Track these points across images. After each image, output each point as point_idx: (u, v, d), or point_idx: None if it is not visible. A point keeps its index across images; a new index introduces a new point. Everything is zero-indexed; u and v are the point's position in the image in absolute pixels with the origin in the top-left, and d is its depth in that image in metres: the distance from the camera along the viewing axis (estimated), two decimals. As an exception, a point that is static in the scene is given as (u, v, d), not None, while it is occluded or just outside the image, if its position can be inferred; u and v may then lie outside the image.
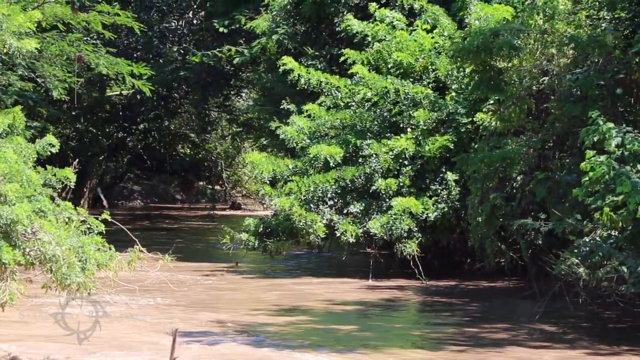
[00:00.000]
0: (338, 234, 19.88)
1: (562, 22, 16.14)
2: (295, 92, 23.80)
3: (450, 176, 19.97)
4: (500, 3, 19.13)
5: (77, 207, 13.45)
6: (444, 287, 19.39)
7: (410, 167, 20.35)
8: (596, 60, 15.76)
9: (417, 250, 19.80)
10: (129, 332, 13.64)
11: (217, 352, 12.43)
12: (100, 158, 42.42)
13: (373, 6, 22.26)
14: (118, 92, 37.12)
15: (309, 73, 21.79)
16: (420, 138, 20.49)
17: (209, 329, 13.93)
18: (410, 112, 20.71)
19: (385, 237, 19.74)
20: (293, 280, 20.38)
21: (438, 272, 20.56)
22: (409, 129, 20.69)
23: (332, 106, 21.82)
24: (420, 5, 22.10)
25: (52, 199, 13.37)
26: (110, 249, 12.51)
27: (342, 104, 21.77)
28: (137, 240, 13.12)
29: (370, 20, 22.27)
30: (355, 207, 20.16)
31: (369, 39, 22.03)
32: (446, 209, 19.94)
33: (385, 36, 21.79)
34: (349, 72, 21.66)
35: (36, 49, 16.98)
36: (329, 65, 25.08)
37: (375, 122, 21.11)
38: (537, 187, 16.12)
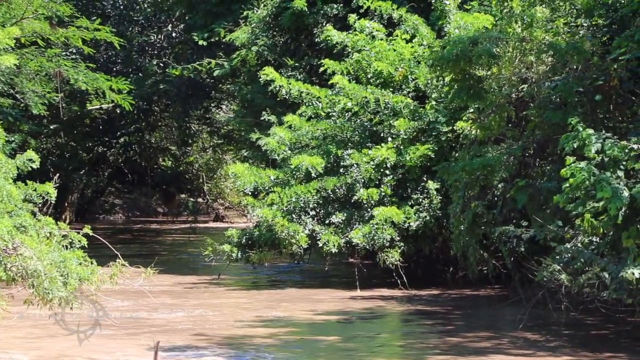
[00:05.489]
0: (320, 244, 19.87)
1: (541, 29, 16.18)
2: (276, 103, 23.83)
3: (432, 185, 19.99)
4: (479, 12, 19.21)
5: (58, 222, 13.42)
6: (427, 296, 19.40)
7: (391, 176, 20.37)
8: (575, 67, 15.82)
9: (399, 260, 19.82)
10: (110, 344, 13.57)
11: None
12: (81, 172, 42.37)
13: (353, 17, 22.29)
14: (98, 106, 37.08)
15: (290, 84, 21.80)
16: (401, 147, 20.51)
17: (190, 342, 13.86)
18: (391, 121, 20.73)
19: (367, 247, 19.76)
20: (275, 292, 20.33)
21: (421, 281, 20.58)
22: (389, 139, 20.71)
23: (312, 117, 21.83)
24: (400, 15, 22.11)
25: (33, 214, 13.34)
26: (92, 263, 12.49)
27: (322, 114, 21.78)
28: (119, 254, 13.10)
29: (350, 31, 22.30)
30: (337, 217, 20.15)
31: (349, 49, 22.07)
32: (428, 218, 19.97)
33: (364, 46, 21.82)
34: (329, 82, 21.67)
35: (15, 65, 16.95)
36: (309, 76, 25.10)
37: (356, 132, 21.13)
38: (518, 194, 16.15)
